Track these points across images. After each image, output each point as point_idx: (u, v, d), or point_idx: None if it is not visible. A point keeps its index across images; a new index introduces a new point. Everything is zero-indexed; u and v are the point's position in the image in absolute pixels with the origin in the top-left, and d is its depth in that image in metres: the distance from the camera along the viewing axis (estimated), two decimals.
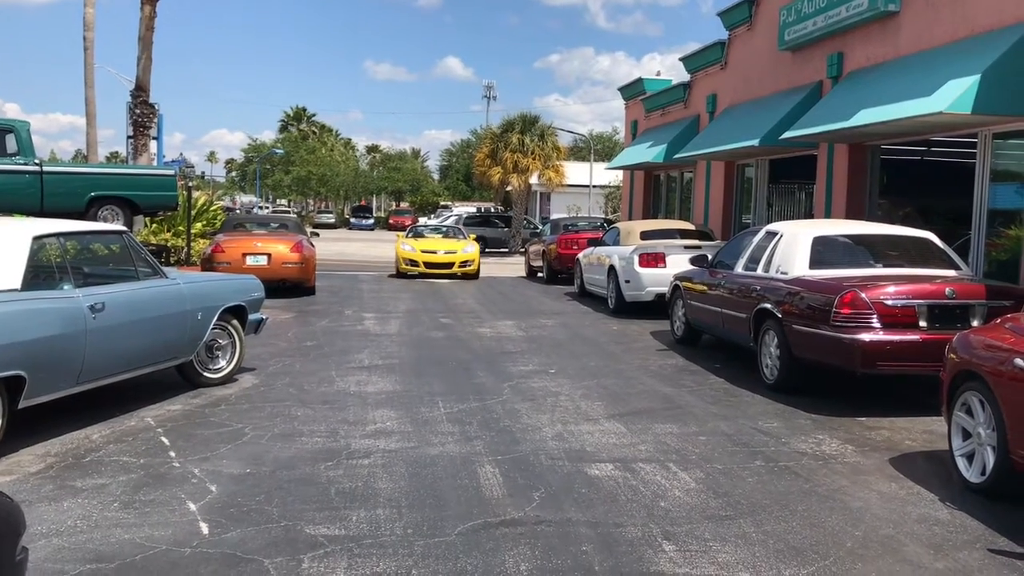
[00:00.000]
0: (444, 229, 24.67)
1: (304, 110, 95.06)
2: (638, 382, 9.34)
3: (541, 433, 7.11)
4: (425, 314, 14.86)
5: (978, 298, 8.06)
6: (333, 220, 70.11)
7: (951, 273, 8.82)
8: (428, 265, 21.22)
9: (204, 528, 4.91)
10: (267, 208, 73.00)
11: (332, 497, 5.47)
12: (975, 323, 7.92)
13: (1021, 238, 10.10)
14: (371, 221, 70.09)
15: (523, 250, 27.49)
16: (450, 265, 21.37)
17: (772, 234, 9.91)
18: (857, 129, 11.58)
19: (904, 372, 8.28)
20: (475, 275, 21.67)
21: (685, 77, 21.17)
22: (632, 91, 25.18)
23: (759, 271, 9.67)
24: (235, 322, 8.77)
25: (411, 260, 21.41)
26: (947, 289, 8.07)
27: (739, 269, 10.17)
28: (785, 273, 9.15)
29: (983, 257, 10.59)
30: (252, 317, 9.11)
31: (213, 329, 8.42)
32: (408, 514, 5.18)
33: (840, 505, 5.50)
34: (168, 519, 5.03)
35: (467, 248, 21.92)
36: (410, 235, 23.45)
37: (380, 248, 37.06)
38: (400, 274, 21.71)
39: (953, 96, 9.55)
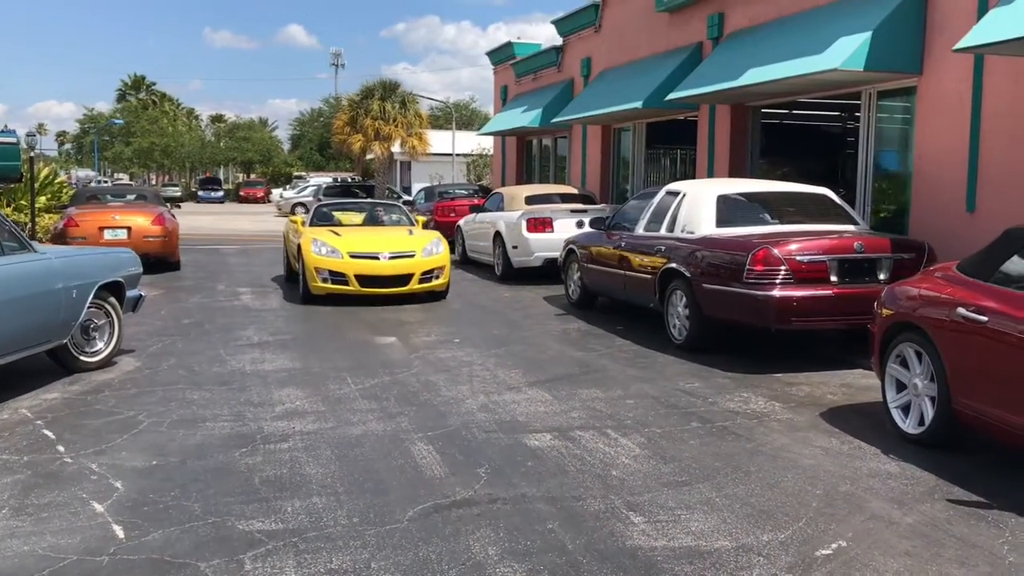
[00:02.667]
0: (372, 209, 14.55)
1: (143, 79, 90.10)
2: (547, 347, 9.08)
3: (466, 405, 6.73)
4: None
5: (884, 251, 8.18)
6: (179, 194, 66.64)
7: (851, 228, 8.93)
8: (366, 280, 11.64)
9: (119, 532, 4.30)
10: (107, 182, 68.89)
11: (258, 487, 4.93)
12: (882, 276, 8.04)
13: (907, 193, 10.36)
14: (221, 194, 67.11)
15: None
16: (405, 279, 11.76)
17: (674, 194, 9.80)
18: (745, 89, 11.62)
19: (816, 327, 8.35)
20: (444, 292, 12.36)
21: (557, 41, 20.96)
22: (501, 56, 24.80)
23: (663, 231, 9.55)
24: (112, 300, 7.97)
25: (336, 273, 11.60)
26: (856, 244, 8.14)
27: (640, 230, 10.03)
28: (692, 232, 9.05)
29: (870, 213, 10.83)
30: (130, 294, 8.31)
31: (89, 308, 7.60)
32: (349, 501, 4.71)
33: (790, 464, 5.38)
34: (73, 524, 4.38)
35: (430, 247, 12.13)
36: (315, 222, 13.24)
37: (235, 221, 35.56)
38: (311, 296, 11.88)
39: (846, 53, 9.65)
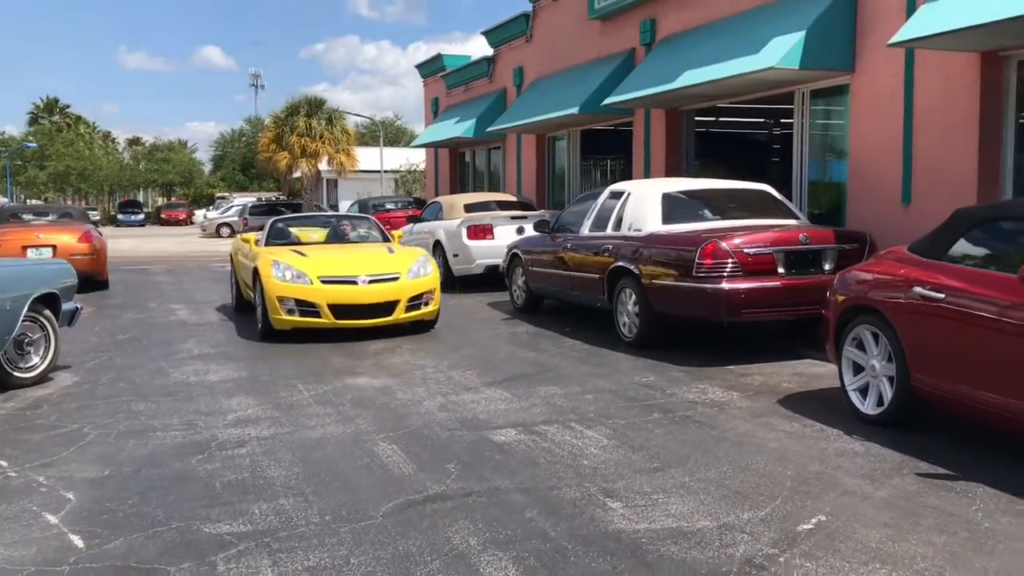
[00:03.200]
0: (338, 223, 12.42)
1: (56, 101, 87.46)
2: (498, 350, 9.00)
3: (424, 406, 6.61)
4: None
5: (828, 243, 8.32)
6: (99, 217, 64.72)
7: (792, 222, 9.07)
8: (342, 311, 9.47)
9: (77, 541, 4.08)
10: None
11: (219, 492, 4.74)
12: (827, 267, 8.17)
13: (843, 189, 10.59)
14: (141, 216, 65.34)
15: None
16: (389, 307, 9.65)
17: (618, 194, 9.84)
18: (681, 92, 11.77)
19: (766, 319, 8.45)
20: (434, 321, 10.28)
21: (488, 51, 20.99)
22: (431, 68, 24.73)
23: (609, 231, 9.57)
24: (48, 312, 7.64)
25: (304, 303, 9.46)
26: (801, 235, 8.26)
27: (585, 231, 10.04)
28: (639, 231, 9.08)
29: (807, 210, 11.03)
30: (66, 307, 7.98)
31: (23, 321, 7.27)
32: (318, 501, 4.56)
33: (757, 447, 5.40)
34: (27, 536, 4.15)
35: (417, 267, 10.04)
36: (272, 240, 11.12)
37: (158, 243, 34.72)
38: (273, 331, 9.63)
39: (782, 52, 9.84)
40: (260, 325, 9.75)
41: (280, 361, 8.48)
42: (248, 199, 49.30)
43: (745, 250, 8.02)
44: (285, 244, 11.02)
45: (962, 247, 5.44)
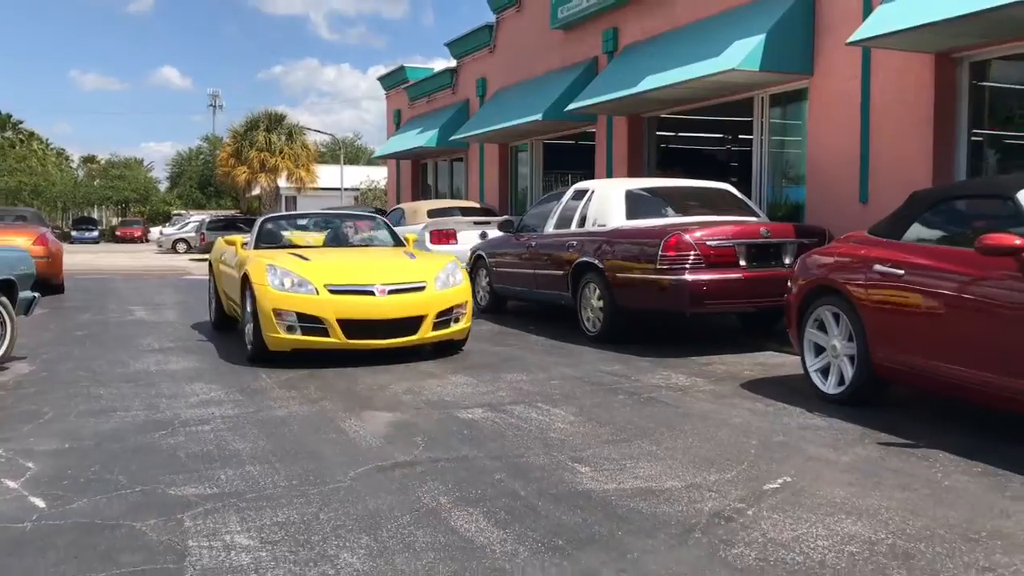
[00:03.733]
0: (341, 224, 10.33)
1: (9, 117, 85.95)
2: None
3: (390, 390, 6.59)
4: (198, 305, 13.64)
5: (789, 237, 8.46)
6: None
7: (752, 219, 9.21)
8: (356, 328, 7.59)
9: (39, 502, 4.00)
10: None
11: (184, 461, 4.69)
12: (787, 260, 8.30)
13: (801, 190, 10.79)
14: (96, 233, 64.34)
15: None
16: (413, 324, 7.78)
17: (582, 192, 9.93)
18: (643, 96, 11.93)
19: (728, 310, 8.56)
20: (463, 340, 8.47)
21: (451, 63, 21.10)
22: (393, 80, 24.78)
23: (573, 228, 9.65)
24: (4, 299, 7.50)
25: (308, 317, 7.57)
26: (762, 229, 8.40)
27: (550, 229, 10.11)
28: (603, 226, 9.17)
29: (767, 208, 11.21)
30: (23, 295, 7.84)
31: None
32: (284, 468, 4.53)
33: (721, 422, 5.46)
34: None
35: (446, 275, 8.22)
36: (264, 243, 9.29)
37: (114, 259, 34.12)
38: (267, 353, 7.67)
39: (742, 55, 10.04)
40: (250, 345, 7.76)
41: (241, 353, 8.39)
42: (205, 217, 48.89)
43: (707, 242, 8.12)
44: (282, 247, 9.03)
45: (920, 226, 5.58)
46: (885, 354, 5.46)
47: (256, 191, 44.04)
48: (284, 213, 11.92)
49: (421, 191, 24.23)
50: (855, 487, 4.12)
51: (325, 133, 65.93)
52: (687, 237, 8.11)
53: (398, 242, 9.69)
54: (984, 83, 9.14)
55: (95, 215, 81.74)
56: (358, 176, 49.38)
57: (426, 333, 7.75)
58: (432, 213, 14.92)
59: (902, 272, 5.31)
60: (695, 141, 17.60)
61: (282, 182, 42.44)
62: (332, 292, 7.55)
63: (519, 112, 15.75)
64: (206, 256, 33.61)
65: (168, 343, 9.26)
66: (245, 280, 7.97)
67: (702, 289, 7.99)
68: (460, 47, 20.23)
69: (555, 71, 15.86)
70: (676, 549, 3.39)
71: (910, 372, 5.32)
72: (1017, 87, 9.34)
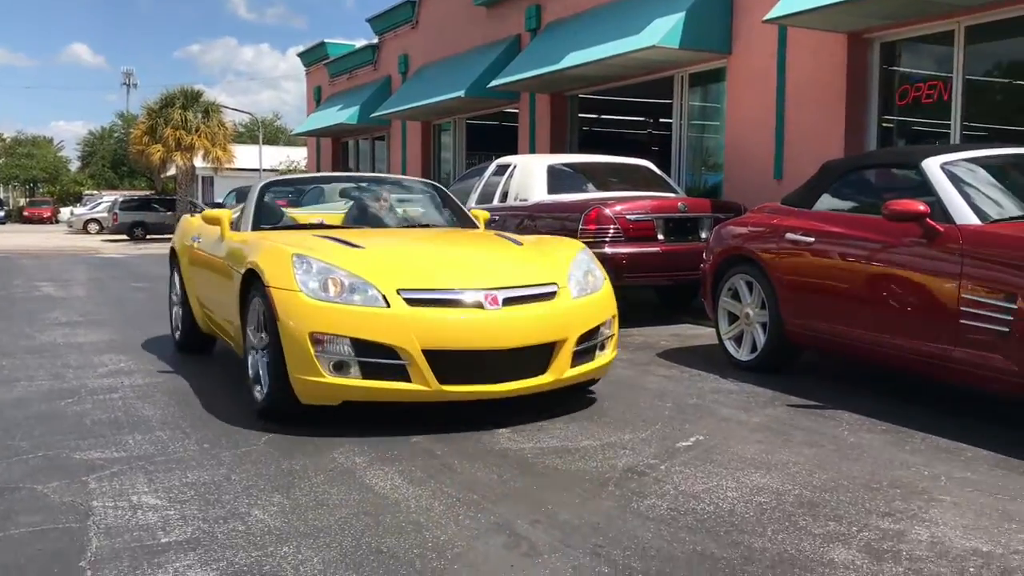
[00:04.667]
0: (371, 192, 6.85)
1: None
2: None
3: None
4: (112, 281, 13.30)
5: (705, 211, 8.60)
6: None
7: (671, 195, 9.34)
8: (453, 363, 4.32)
9: None
10: None
11: (90, 427, 4.55)
12: (703, 235, 8.42)
13: (719, 167, 10.98)
14: (1, 214, 62.03)
15: None
16: (540, 357, 4.53)
17: (503, 167, 9.92)
18: (566, 73, 11.97)
19: (646, 283, 8.66)
20: (598, 373, 5.05)
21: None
22: (313, 56, 24.37)
23: (495, 203, 9.64)
24: None
25: (373, 347, 4.27)
26: (679, 204, 8.52)
27: (472, 204, 10.08)
28: (525, 200, 9.19)
29: (686, 187, 11.37)
30: None
31: None
32: (196, 433, 4.43)
33: (638, 388, 5.53)
34: None
35: (579, 271, 4.97)
36: (262, 222, 5.85)
37: (22, 239, 32.90)
38: (295, 406, 4.46)
39: (663, 32, 10.15)
40: (260, 393, 4.68)
41: (154, 326, 8.18)
42: (116, 197, 47.48)
43: (627, 216, 8.20)
44: (288, 229, 5.90)
45: (830, 195, 5.72)
46: (797, 320, 5.59)
47: (172, 171, 42.84)
48: (293, 176, 7.62)
49: (342, 170, 23.92)
50: (764, 444, 4.22)
51: (244, 112, 64.60)
52: (607, 211, 8.17)
53: (469, 221, 6.42)
54: (895, 67, 9.42)
55: (1, 195, 78.76)
56: (277, 156, 48.57)
57: (562, 371, 4.60)
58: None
59: (812, 240, 5.45)
60: (618, 123, 17.75)
61: (198, 161, 41.27)
62: (410, 303, 4.37)
63: (441, 89, 15.66)
64: (120, 237, 32.64)
65: (76, 316, 8.99)
66: (250, 281, 4.81)
67: (622, 262, 8.06)
68: (382, 23, 19.99)
69: (478, 48, 15.81)
70: (590, 501, 3.42)
71: (821, 338, 5.46)
72: (924, 72, 9.65)
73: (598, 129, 16.82)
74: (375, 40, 20.58)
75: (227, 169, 43.41)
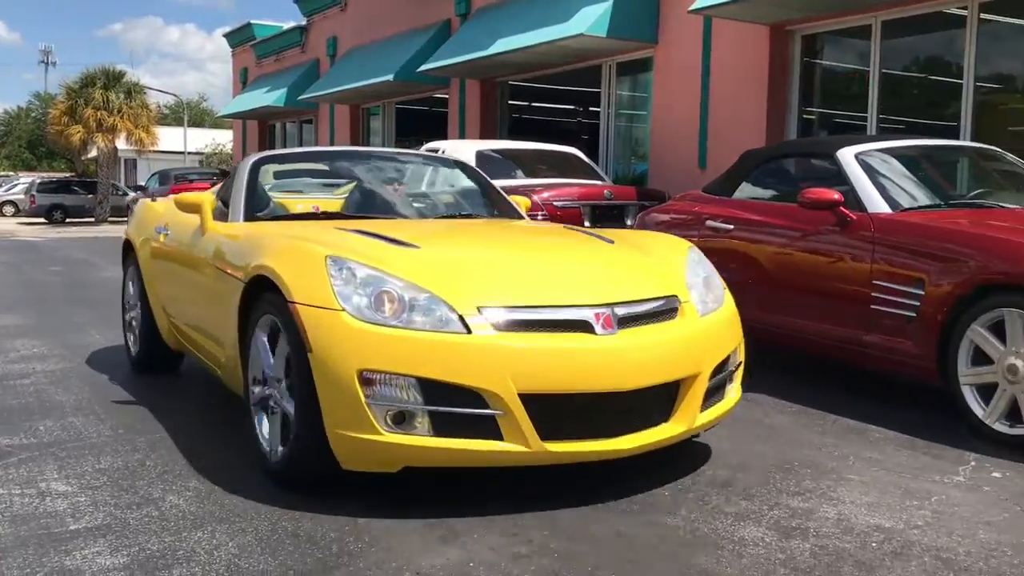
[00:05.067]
0: (385, 170, 5.64)
1: None
2: None
3: None
4: (27, 265, 12.90)
5: (631, 198, 8.72)
6: None
7: (598, 182, 9.43)
8: (554, 413, 3.06)
9: None
10: None
11: None
12: (629, 221, 8.54)
13: (645, 156, 11.12)
14: None
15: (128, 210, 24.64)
16: (663, 401, 3.32)
17: (433, 152, 9.89)
18: (495, 59, 11.97)
19: None
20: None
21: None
22: (240, 37, 23.91)
23: (423, 188, 9.59)
24: None
25: (449, 391, 3.01)
26: (605, 191, 8.62)
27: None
28: (452, 186, 9.15)
29: (613, 176, 11.49)
30: None
31: None
32: (111, 419, 4.34)
33: None
34: None
35: (696, 279, 3.72)
36: (255, 208, 4.46)
37: None
38: (325, 470, 3.21)
39: (591, 20, 10.22)
40: (285, 454, 3.34)
41: (72, 311, 7.97)
42: (35, 177, 45.99)
43: (554, 203, 8.26)
44: (287, 219, 4.63)
45: (750, 183, 5.84)
46: None
47: (93, 152, 41.65)
48: (295, 150, 6.05)
49: None
50: None
51: (168, 93, 63.13)
52: (535, 197, 8.18)
53: (511, 211, 5.08)
54: (816, 60, 9.65)
55: None
56: (203, 139, 47.58)
57: (693, 417, 3.41)
58: (279, 175, 14.51)
59: (732, 227, 5.56)
60: (548, 111, 17.83)
61: (121, 143, 40.12)
62: (499, 326, 3.14)
63: (370, 72, 15.51)
64: (37, 220, 31.56)
65: None
66: (255, 292, 3.56)
67: None
68: (310, 4, 19.71)
69: (408, 32, 15.69)
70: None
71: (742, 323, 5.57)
72: (843, 65, 9.90)
73: (528, 116, 16.88)
74: (303, 22, 20.30)
75: (151, 151, 42.41)
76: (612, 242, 4.05)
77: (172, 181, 20.58)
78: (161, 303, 5.05)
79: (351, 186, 5.31)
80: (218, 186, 5.44)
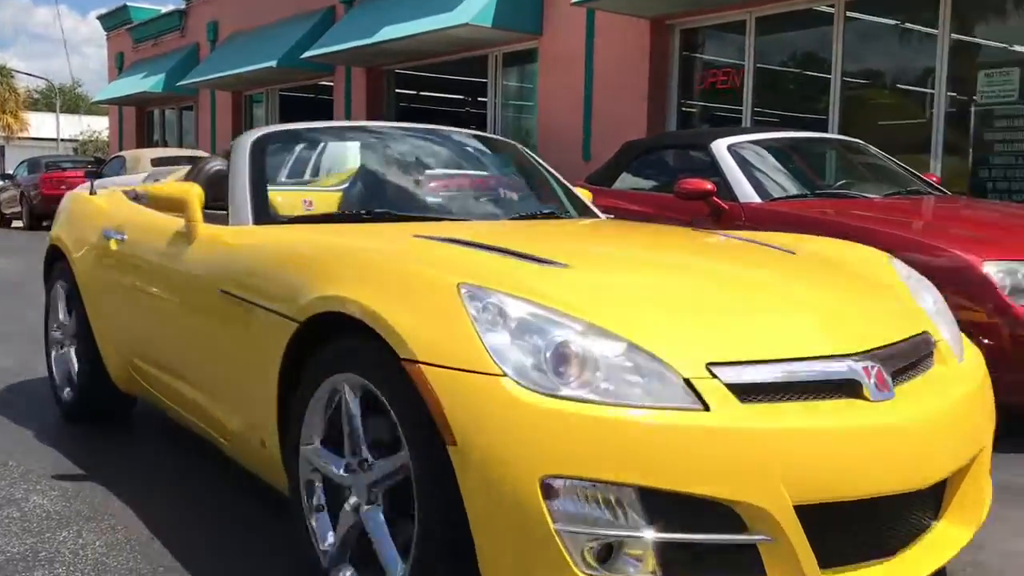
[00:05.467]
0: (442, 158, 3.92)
1: None
2: None
3: None
4: None
5: None
6: None
7: (483, 173, 9.48)
8: (826, 524, 1.83)
9: None
10: None
11: None
12: None
13: (532, 148, 11.21)
14: None
15: None
16: (932, 501, 2.12)
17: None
18: (381, 47, 11.87)
19: None
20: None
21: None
22: (115, 20, 22.95)
23: (307, 177, 9.46)
24: None
25: (692, 505, 1.74)
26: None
27: (283, 179, 9.85)
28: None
29: None
30: None
31: None
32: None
33: None
34: None
35: (936, 313, 2.48)
36: (266, 212, 3.07)
37: None
38: None
39: (476, 9, 10.24)
40: None
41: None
42: None
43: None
44: (295, 221, 3.10)
45: (630, 173, 5.98)
46: None
47: None
48: (308, 125, 3.99)
49: (147, 141, 22.75)
50: None
51: (39, 77, 60.16)
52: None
53: (584, 209, 3.92)
54: (695, 54, 9.91)
55: None
56: (77, 126, 45.54)
57: (980, 514, 2.25)
58: (156, 162, 14.07)
59: (612, 217, 5.66)
60: (436, 100, 17.78)
61: None
62: (744, 395, 1.86)
63: (253, 58, 15.16)
64: None
65: None
66: (306, 340, 2.26)
67: None
68: None
69: (291, 18, 15.39)
70: None
71: None
72: (720, 59, 10.20)
73: (416, 105, 16.80)
74: (182, 5, 19.66)
75: (20, 138, 40.49)
76: (793, 252, 2.81)
77: (43, 169, 19.60)
78: (113, 334, 3.67)
79: (349, 172, 4.02)
80: (181, 173, 4.20)
